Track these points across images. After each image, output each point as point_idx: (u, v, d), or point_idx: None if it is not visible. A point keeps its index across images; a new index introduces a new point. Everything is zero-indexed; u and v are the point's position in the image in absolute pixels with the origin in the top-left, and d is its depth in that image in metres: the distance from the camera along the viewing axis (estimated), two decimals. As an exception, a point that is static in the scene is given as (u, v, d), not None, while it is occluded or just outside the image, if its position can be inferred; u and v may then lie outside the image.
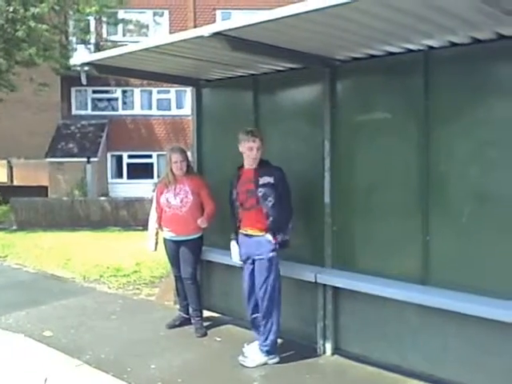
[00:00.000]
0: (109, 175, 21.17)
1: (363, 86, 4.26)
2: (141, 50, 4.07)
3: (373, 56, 4.11)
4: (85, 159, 19.12)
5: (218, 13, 21.34)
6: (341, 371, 4.14)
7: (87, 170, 19.03)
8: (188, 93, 20.43)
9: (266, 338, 4.21)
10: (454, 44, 3.66)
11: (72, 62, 4.76)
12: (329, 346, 4.39)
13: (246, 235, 4.30)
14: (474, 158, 3.65)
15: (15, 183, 24.95)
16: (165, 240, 5.09)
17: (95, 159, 19.44)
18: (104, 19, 18.71)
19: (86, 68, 4.73)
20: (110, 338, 4.92)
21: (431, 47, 3.78)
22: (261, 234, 4.19)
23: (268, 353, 4.20)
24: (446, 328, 3.75)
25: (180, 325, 5.13)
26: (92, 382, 3.97)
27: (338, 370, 4.16)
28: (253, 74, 4.98)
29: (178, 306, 5.29)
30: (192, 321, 5.06)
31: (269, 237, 4.15)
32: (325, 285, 4.34)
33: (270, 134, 4.87)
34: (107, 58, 4.36)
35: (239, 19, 3.35)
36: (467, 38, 3.53)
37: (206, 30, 3.48)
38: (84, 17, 17.11)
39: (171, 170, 4.92)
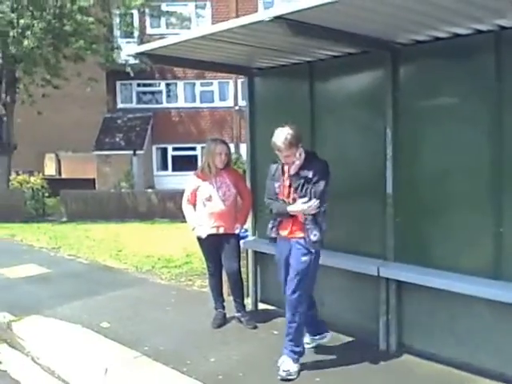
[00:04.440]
0: (154, 167, 21.43)
1: (428, 70, 4.04)
2: (196, 38, 3.99)
3: (438, 38, 3.90)
4: (131, 152, 19.38)
5: (260, 2, 21.13)
6: (406, 369, 3.96)
7: (133, 162, 19.32)
8: (230, 85, 20.49)
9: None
10: (529, 23, 3.43)
11: (125, 52, 4.76)
12: (392, 343, 4.22)
13: None
14: (553, 145, 3.42)
15: (63, 176, 25.67)
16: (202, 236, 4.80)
17: (141, 152, 19.71)
18: (147, 12, 18.89)
19: (134, 61, 4.68)
20: (166, 329, 4.90)
21: (503, 27, 3.55)
22: None
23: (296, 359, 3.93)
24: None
25: (225, 322, 4.96)
26: (152, 374, 3.95)
27: (402, 368, 3.99)
28: (308, 61, 4.84)
29: (213, 305, 5.03)
30: (239, 314, 4.94)
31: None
32: (387, 278, 4.17)
33: (326, 122, 4.75)
34: (161, 47, 4.29)
35: (300, 2, 3.21)
36: (545, 15, 3.29)
37: (267, 15, 3.37)
38: (128, 10, 17.31)
39: (213, 161, 4.74)
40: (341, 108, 4.64)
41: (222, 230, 4.76)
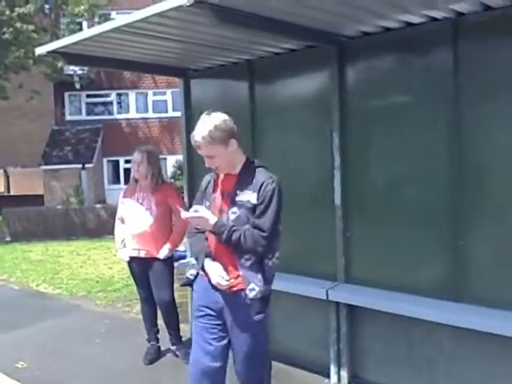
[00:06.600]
0: (105, 181, 20.51)
1: (378, 66, 3.59)
2: (110, 31, 3.43)
3: (388, 29, 3.46)
4: (80, 166, 18.47)
5: None
6: (360, 405, 3.48)
7: (82, 176, 18.39)
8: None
9: None
10: (488, 7, 3.01)
11: (37, 51, 4.12)
12: (344, 374, 3.72)
13: None
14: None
15: (12, 193, 24.41)
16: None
17: (90, 165, 18.78)
18: (96, 20, 18.12)
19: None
20: (90, 368, 4.25)
21: (460, 13, 3.12)
22: None
23: None
24: (486, 353, 3.11)
25: (159, 357, 4.34)
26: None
27: (356, 404, 3.50)
28: (248, 60, 4.33)
29: (146, 337, 4.42)
30: (174, 347, 4.34)
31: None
32: (338, 302, 3.67)
33: (268, 127, 4.25)
34: (72, 43, 3.69)
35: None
36: (506, -1, 2.88)
37: (187, -1, 2.84)
38: (74, 18, 16.53)
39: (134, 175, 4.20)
40: (283, 111, 4.14)
41: (143, 254, 4.16)
